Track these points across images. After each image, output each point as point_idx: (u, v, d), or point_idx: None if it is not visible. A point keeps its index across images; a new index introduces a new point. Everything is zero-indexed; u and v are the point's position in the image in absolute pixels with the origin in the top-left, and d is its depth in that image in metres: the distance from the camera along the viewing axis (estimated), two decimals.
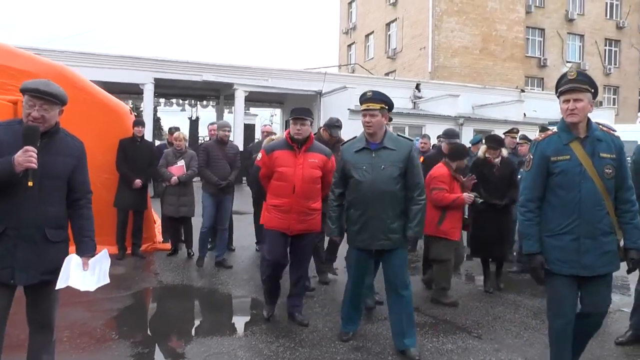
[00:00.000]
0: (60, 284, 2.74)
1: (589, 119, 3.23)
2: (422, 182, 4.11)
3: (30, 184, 2.61)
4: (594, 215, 3.17)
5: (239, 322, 4.94)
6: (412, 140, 4.06)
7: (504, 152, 6.09)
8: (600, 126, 3.30)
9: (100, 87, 8.24)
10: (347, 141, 4.46)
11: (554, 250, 3.24)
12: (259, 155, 4.83)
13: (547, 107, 22.77)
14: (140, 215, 7.31)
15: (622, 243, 3.23)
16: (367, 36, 34.18)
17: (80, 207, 2.92)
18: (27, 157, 2.57)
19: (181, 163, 7.15)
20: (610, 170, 3.17)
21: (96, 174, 6.84)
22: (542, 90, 29.07)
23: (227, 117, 24.80)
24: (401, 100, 22.52)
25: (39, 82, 2.78)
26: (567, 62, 29.75)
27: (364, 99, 4.07)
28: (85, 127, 6.84)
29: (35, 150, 2.61)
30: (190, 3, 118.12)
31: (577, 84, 3.16)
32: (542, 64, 29.97)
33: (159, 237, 8.07)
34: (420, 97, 23.03)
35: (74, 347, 3.98)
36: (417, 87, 23.28)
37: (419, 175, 4.06)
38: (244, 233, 8.21)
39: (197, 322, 4.81)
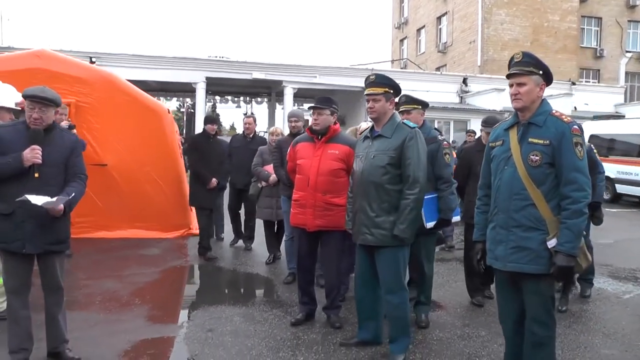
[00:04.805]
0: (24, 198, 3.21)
1: (543, 103, 3.01)
2: (418, 175, 3.63)
3: (36, 175, 3.31)
4: (509, 204, 2.96)
5: (246, 296, 5.61)
6: (413, 128, 3.76)
7: None
8: (554, 111, 3.01)
9: (156, 86, 9.07)
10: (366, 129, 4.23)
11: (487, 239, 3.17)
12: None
13: (600, 100, 22.29)
14: (218, 213, 7.47)
15: (549, 244, 2.88)
16: (418, 30, 34.22)
17: (70, 181, 3.48)
18: (34, 154, 3.29)
19: None
20: (537, 157, 2.88)
21: (138, 167, 7.81)
22: (598, 82, 28.24)
23: (279, 113, 25.73)
24: (448, 95, 22.73)
25: (36, 89, 3.38)
26: (627, 52, 28.68)
27: (367, 83, 3.81)
28: (129, 125, 7.80)
29: (40, 149, 3.31)
30: (240, 3, 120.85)
31: (519, 67, 2.97)
32: (598, 54, 29.00)
33: (196, 224, 8.88)
34: (467, 92, 23.08)
35: (103, 308, 4.86)
36: (464, 81, 23.32)
37: (412, 167, 3.62)
38: None
39: (208, 294, 5.53)
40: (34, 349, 3.56)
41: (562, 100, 20.69)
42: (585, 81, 27.75)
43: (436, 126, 19.50)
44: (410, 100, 4.59)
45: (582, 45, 28.62)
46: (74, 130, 6.64)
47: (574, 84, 23.24)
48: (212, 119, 7.20)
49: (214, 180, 6.79)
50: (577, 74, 27.40)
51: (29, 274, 3.49)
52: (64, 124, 6.53)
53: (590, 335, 4.48)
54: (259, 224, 7.14)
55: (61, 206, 3.33)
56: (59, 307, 3.59)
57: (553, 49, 26.74)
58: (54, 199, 3.30)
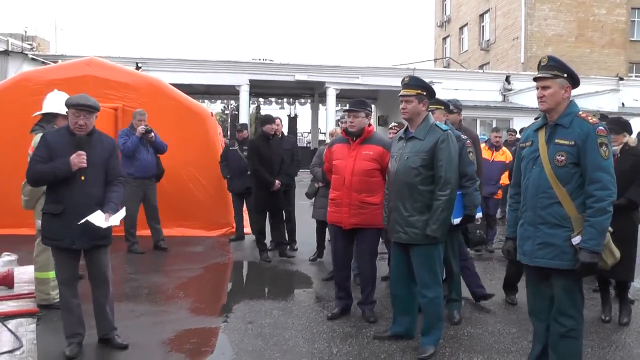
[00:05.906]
0: (83, 220, 3.55)
1: (570, 104, 3.14)
2: (449, 176, 3.79)
3: (82, 178, 3.62)
4: (536, 202, 3.11)
5: (286, 292, 5.77)
6: (445, 130, 3.91)
7: (630, 140, 4.82)
8: (581, 112, 3.13)
9: (201, 89, 9.37)
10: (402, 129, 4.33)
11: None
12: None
13: None
14: (280, 215, 7.14)
15: (573, 241, 3.02)
16: (461, 28, 33.87)
17: (111, 184, 3.81)
18: (80, 159, 3.58)
19: None
20: (563, 158, 3.03)
21: (183, 168, 8.16)
22: None
23: (322, 113, 25.97)
24: (490, 94, 22.43)
25: (79, 97, 3.67)
26: None
27: (402, 84, 3.98)
28: (173, 127, 8.14)
29: (85, 154, 3.60)
30: (282, 5, 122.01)
31: (544, 71, 3.13)
32: None
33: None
34: (510, 90, 22.72)
35: (149, 300, 5.18)
36: (507, 79, 22.96)
37: (444, 168, 3.78)
38: None
39: (250, 289, 5.78)
40: (87, 335, 3.87)
41: (608, 96, 20.11)
42: (635, 76, 26.79)
43: (479, 126, 19.29)
44: (435, 101, 4.70)
45: (632, 39, 27.59)
46: (152, 134, 7.03)
47: (621, 79, 22.50)
48: (269, 119, 7.06)
49: (277, 182, 6.71)
50: (625, 68, 26.48)
51: (76, 267, 3.84)
52: (141, 128, 6.93)
53: (624, 334, 4.47)
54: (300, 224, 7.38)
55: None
56: (107, 299, 3.90)
57: (599, 43, 25.99)
58: (109, 220, 3.65)
